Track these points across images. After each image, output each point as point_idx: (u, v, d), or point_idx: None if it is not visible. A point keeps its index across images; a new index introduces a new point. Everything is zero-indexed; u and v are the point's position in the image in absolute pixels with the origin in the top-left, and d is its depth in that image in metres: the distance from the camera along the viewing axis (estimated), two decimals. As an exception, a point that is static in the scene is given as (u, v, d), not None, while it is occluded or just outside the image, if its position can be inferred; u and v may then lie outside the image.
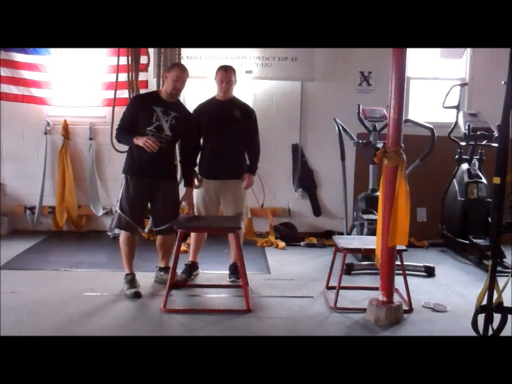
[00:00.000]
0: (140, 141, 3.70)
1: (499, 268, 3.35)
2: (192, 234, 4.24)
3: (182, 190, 4.14)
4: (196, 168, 4.22)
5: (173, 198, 4.00)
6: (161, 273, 4.14)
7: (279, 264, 4.83)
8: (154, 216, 4.04)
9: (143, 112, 3.83)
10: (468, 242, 5.02)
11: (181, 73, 3.86)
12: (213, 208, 4.23)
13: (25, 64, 5.51)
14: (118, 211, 3.90)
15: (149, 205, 4.01)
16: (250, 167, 4.27)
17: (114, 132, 4.02)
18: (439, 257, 5.25)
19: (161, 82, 4.93)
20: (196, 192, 4.17)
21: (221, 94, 4.16)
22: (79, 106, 5.74)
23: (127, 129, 3.85)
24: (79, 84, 5.60)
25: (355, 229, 5.09)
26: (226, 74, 4.10)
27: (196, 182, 4.15)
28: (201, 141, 4.22)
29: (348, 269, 4.48)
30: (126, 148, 3.99)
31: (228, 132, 4.11)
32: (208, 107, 4.21)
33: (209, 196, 4.18)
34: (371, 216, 4.85)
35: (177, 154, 4.30)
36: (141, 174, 3.85)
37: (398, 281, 3.66)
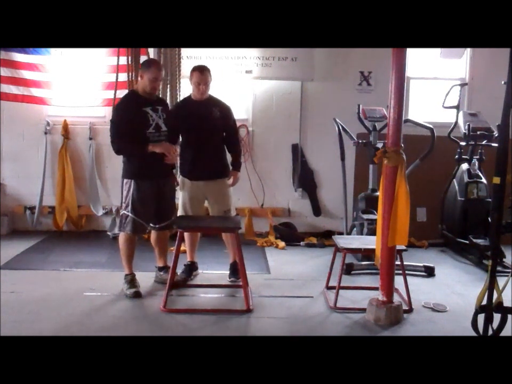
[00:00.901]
0: (157, 148, 3.71)
1: (499, 268, 3.36)
2: (185, 234, 4.20)
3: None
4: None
5: (174, 194, 4.09)
6: (161, 273, 4.14)
7: (279, 264, 4.83)
8: (159, 213, 3.98)
9: (135, 116, 3.77)
10: (467, 242, 5.02)
11: (158, 74, 3.80)
12: (200, 208, 4.23)
13: (25, 64, 5.50)
14: (131, 215, 3.83)
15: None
16: (235, 164, 4.24)
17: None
18: (439, 257, 5.25)
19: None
20: (181, 194, 4.17)
21: (198, 95, 4.07)
22: (79, 106, 5.73)
23: (125, 137, 3.75)
24: (79, 83, 5.58)
25: (355, 229, 5.09)
26: (202, 76, 3.99)
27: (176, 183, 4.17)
28: (181, 142, 4.17)
29: (348, 269, 4.48)
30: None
31: (209, 132, 4.08)
32: (185, 108, 4.14)
33: (196, 197, 4.16)
34: (371, 216, 4.85)
35: None
36: (150, 176, 3.83)
37: (398, 281, 3.67)
